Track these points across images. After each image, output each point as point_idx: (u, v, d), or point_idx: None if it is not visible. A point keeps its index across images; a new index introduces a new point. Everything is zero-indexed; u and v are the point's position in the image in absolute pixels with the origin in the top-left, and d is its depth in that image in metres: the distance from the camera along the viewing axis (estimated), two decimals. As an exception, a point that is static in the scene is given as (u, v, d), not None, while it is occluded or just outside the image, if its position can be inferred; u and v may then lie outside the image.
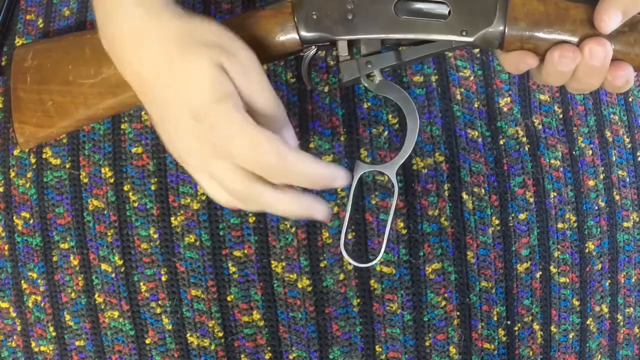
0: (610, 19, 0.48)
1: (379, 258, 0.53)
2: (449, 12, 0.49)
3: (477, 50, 0.65)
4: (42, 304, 0.66)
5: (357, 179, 0.53)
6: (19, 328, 0.67)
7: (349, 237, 0.64)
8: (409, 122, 0.52)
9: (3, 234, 0.66)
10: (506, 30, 0.49)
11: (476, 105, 0.66)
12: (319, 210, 0.53)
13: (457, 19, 0.49)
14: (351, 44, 0.54)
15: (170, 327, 0.65)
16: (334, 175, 0.52)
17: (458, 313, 0.65)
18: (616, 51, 0.49)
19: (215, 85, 0.50)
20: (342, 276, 0.64)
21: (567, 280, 0.67)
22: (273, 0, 0.56)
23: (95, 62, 0.59)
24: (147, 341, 0.65)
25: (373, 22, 0.51)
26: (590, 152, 0.68)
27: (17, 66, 0.64)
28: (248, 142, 0.50)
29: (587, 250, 0.68)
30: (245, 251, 0.64)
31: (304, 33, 0.54)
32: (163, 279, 0.64)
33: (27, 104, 0.63)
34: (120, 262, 0.64)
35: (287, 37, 0.54)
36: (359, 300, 0.64)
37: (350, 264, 0.60)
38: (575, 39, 0.50)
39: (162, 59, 0.51)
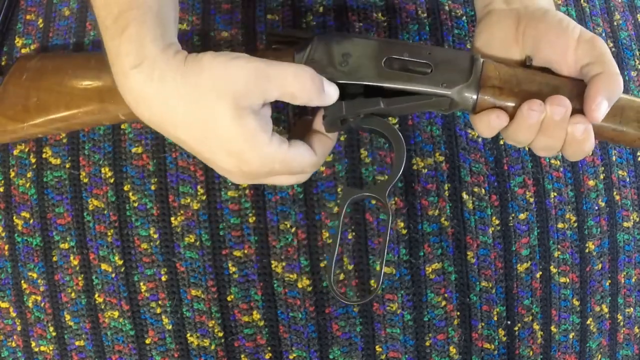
0: (599, 107, 0.51)
1: (378, 286, 0.54)
2: (431, 70, 0.54)
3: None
4: (42, 304, 0.66)
5: (346, 205, 0.53)
6: (19, 328, 0.67)
7: (349, 237, 0.64)
8: (396, 149, 0.53)
9: (3, 234, 0.66)
10: (480, 89, 0.53)
11: (476, 105, 0.66)
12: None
13: (438, 75, 0.54)
14: (341, 89, 0.55)
15: (170, 327, 0.65)
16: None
17: (458, 313, 0.65)
18: (609, 129, 0.54)
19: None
20: (342, 276, 0.64)
21: (567, 280, 0.67)
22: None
23: (96, 70, 0.60)
24: (147, 341, 0.65)
25: (363, 72, 0.54)
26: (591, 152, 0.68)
27: (19, 64, 0.64)
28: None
29: (587, 250, 0.68)
30: (245, 251, 0.64)
31: None
32: (163, 279, 0.64)
33: (11, 97, 0.62)
34: (120, 262, 0.64)
35: None
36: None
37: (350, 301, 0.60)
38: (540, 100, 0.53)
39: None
